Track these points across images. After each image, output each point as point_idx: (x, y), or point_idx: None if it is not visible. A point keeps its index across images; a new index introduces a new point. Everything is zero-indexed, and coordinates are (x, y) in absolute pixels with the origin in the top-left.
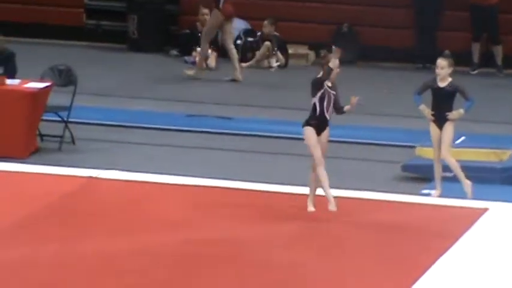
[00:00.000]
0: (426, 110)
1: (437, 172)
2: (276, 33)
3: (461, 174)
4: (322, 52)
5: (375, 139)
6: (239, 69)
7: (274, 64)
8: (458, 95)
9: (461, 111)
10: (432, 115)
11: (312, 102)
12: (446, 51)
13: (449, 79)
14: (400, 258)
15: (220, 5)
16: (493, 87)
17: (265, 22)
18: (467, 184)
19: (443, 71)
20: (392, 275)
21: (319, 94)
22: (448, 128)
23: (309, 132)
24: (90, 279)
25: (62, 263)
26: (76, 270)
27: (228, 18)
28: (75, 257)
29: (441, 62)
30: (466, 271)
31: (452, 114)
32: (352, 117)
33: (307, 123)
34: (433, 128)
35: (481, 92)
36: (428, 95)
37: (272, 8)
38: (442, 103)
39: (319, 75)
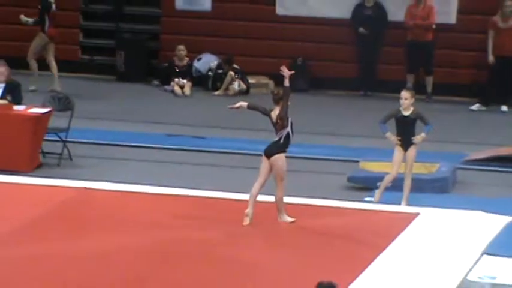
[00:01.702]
0: (393, 136)
1: (386, 183)
2: (235, 65)
3: (407, 194)
4: (276, 90)
5: (324, 155)
6: (57, 80)
7: (236, 88)
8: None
9: (423, 135)
10: (399, 140)
11: (286, 132)
12: (409, 84)
13: (412, 108)
14: (343, 256)
15: (46, 29)
16: (424, 111)
17: (223, 62)
18: (404, 203)
19: (407, 102)
20: (336, 271)
21: (290, 123)
22: (413, 150)
23: (285, 160)
24: (86, 271)
25: (62, 258)
26: (73, 263)
27: (51, 39)
28: (73, 254)
29: (405, 94)
30: (402, 267)
31: (417, 139)
32: (305, 137)
33: (284, 150)
34: (399, 150)
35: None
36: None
37: (238, 45)
38: (407, 129)
39: (283, 110)
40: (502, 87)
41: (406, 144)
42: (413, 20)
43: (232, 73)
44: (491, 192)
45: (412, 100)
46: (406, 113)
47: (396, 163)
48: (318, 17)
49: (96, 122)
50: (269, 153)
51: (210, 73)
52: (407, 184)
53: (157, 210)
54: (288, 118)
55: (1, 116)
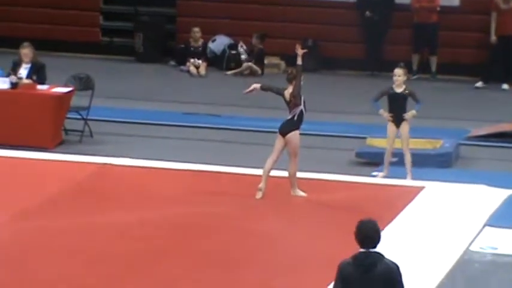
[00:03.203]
0: (385, 113)
1: (387, 158)
2: (261, 46)
3: (409, 168)
4: (289, 69)
5: (333, 131)
6: None
7: (245, 72)
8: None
9: (414, 112)
10: (391, 116)
11: (299, 110)
12: (401, 63)
13: (404, 86)
14: (352, 227)
15: None
16: (428, 89)
17: (254, 35)
18: (409, 177)
19: (400, 78)
20: (345, 242)
21: (303, 101)
22: (406, 126)
23: (299, 136)
24: (108, 244)
25: (84, 232)
26: (96, 236)
27: None
28: (94, 227)
29: (398, 71)
30: (408, 238)
31: (407, 115)
32: (315, 114)
33: (298, 127)
34: (391, 126)
35: (418, 93)
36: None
37: (251, 27)
38: (399, 106)
39: (296, 88)
40: (503, 65)
41: (398, 120)
42: (419, 2)
43: (249, 64)
44: (492, 167)
45: (405, 77)
46: (398, 90)
47: (390, 138)
48: (327, 0)
49: (115, 101)
50: (284, 131)
51: (226, 49)
52: (407, 159)
53: (174, 185)
54: (301, 96)
55: (26, 95)
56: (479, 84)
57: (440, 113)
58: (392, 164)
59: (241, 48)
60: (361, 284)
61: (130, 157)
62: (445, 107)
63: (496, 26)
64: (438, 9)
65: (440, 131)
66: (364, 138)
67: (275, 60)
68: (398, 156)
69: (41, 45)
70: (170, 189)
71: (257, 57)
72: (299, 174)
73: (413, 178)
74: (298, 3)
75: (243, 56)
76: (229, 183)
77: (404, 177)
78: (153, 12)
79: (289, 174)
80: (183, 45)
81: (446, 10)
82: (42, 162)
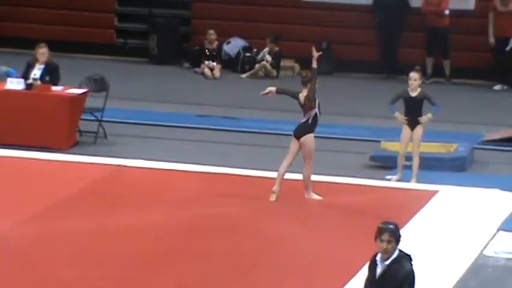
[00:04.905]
0: (400, 116)
1: (401, 161)
2: (277, 48)
3: (416, 172)
4: (304, 72)
5: (348, 135)
6: None
7: (262, 73)
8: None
9: (430, 115)
10: (406, 119)
11: (314, 113)
12: (417, 66)
13: (419, 89)
14: (365, 231)
15: None
16: (442, 93)
17: (268, 39)
18: (413, 181)
19: (416, 82)
20: (358, 245)
21: (317, 104)
22: (419, 130)
23: (314, 139)
24: (121, 246)
25: (97, 232)
26: (109, 238)
27: None
28: (108, 228)
29: (414, 75)
30: (422, 242)
31: (423, 119)
32: (330, 118)
33: (312, 130)
34: (406, 129)
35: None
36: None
37: (266, 30)
38: (414, 109)
39: (311, 91)
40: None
41: (413, 123)
42: (428, 6)
43: (264, 63)
44: (507, 171)
45: (420, 81)
46: (413, 94)
47: (403, 142)
48: (342, 3)
49: (129, 103)
50: (298, 134)
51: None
52: (415, 162)
53: (188, 187)
54: (315, 99)
55: (41, 97)
56: (497, 87)
57: (454, 117)
58: (406, 167)
59: (267, 54)
60: None
61: (144, 159)
62: (460, 111)
63: (494, 28)
64: (447, 12)
65: (455, 135)
66: (378, 141)
67: (289, 62)
68: (410, 160)
69: (55, 46)
70: (183, 191)
71: (275, 59)
72: (313, 177)
73: (428, 180)
74: (313, 6)
75: (268, 59)
76: (243, 186)
77: (419, 181)
78: (167, 14)
79: (304, 177)
80: (197, 47)
81: (461, 14)
82: (57, 164)
